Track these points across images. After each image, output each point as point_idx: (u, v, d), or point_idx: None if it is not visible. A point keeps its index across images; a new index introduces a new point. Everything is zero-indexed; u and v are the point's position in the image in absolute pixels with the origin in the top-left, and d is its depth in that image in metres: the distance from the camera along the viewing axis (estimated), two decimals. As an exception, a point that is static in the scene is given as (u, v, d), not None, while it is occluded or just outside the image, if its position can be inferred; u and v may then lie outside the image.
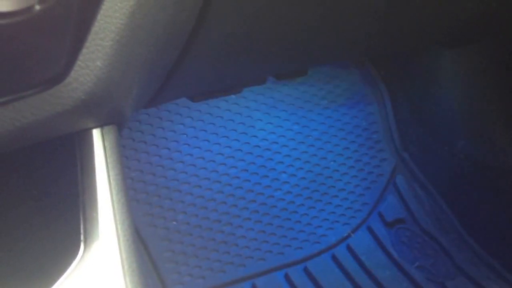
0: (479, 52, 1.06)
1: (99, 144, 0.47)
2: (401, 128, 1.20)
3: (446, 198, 1.14)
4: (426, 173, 1.16)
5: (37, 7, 0.36)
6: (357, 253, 1.05)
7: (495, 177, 1.07)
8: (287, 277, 1.01)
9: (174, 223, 1.00)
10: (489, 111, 1.08)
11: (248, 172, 1.08)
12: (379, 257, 1.06)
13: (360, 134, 1.18)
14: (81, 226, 0.45)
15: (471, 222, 1.11)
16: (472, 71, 1.10)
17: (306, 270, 1.02)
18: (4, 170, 0.50)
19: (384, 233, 1.09)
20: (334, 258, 1.05)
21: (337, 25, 0.68)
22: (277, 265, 1.02)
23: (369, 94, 1.22)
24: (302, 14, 0.62)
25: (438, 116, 1.14)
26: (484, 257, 1.08)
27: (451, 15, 0.77)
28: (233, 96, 1.12)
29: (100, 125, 0.48)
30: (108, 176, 0.47)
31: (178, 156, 1.04)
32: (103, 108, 0.45)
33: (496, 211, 1.07)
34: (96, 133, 0.48)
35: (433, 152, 1.15)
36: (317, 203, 1.09)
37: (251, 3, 0.57)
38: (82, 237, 0.45)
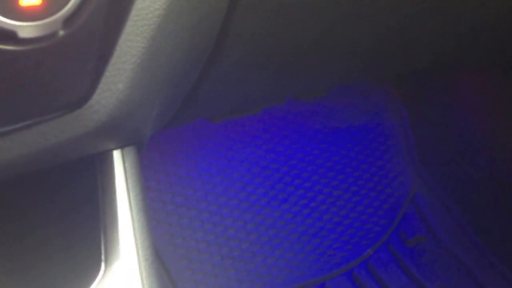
0: (503, 66, 1.06)
1: (120, 165, 0.48)
2: (421, 146, 1.19)
3: (468, 216, 1.12)
4: (446, 191, 1.15)
5: (61, 33, 0.37)
6: (377, 272, 1.05)
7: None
8: (307, 297, 1.01)
9: (193, 242, 1.00)
10: (512, 126, 1.07)
11: (267, 190, 1.08)
12: (399, 275, 1.05)
13: (379, 152, 1.18)
14: (102, 246, 0.46)
15: (493, 239, 1.09)
16: (495, 86, 1.09)
17: (326, 289, 1.02)
18: (25, 191, 0.51)
19: (405, 251, 1.08)
20: (354, 277, 1.04)
21: (356, 45, 0.68)
22: (297, 284, 1.01)
23: (387, 112, 1.22)
24: (322, 35, 0.63)
25: (458, 133, 1.13)
26: (508, 276, 1.06)
27: (473, 33, 0.77)
28: (251, 116, 1.12)
29: (121, 147, 0.48)
30: (129, 196, 0.47)
31: (197, 176, 1.05)
32: (124, 130, 0.46)
33: (520, 229, 1.06)
34: (116, 155, 0.48)
35: (454, 170, 1.14)
36: (337, 221, 1.09)
37: (270, 25, 0.58)
38: (103, 257, 0.45)
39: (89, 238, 0.46)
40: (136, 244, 0.46)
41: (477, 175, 1.10)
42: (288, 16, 0.58)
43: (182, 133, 1.07)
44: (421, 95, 1.20)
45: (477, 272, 1.07)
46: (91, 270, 0.45)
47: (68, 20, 0.37)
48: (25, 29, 0.35)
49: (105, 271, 0.45)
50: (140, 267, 0.46)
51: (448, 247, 1.10)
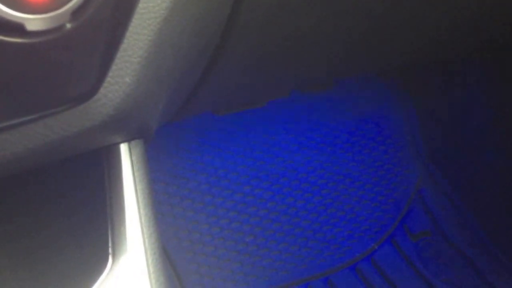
0: (509, 59, 1.05)
1: (127, 158, 0.48)
2: (427, 139, 1.19)
3: (473, 210, 1.12)
4: (452, 185, 1.15)
5: (68, 26, 0.37)
6: (381, 266, 1.04)
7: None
8: (311, 290, 1.01)
9: (198, 235, 1.00)
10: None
11: (272, 183, 1.08)
12: (404, 270, 1.05)
13: (385, 145, 1.17)
14: (110, 240, 0.46)
15: (498, 234, 1.09)
16: (501, 79, 1.09)
17: (330, 283, 1.02)
18: (33, 185, 0.51)
19: (409, 246, 1.08)
20: (358, 271, 1.04)
21: (362, 38, 0.68)
22: (301, 277, 1.02)
23: (394, 104, 1.21)
24: (327, 29, 0.63)
25: (465, 126, 1.13)
26: (512, 270, 1.06)
27: (480, 25, 0.77)
28: (256, 108, 1.12)
29: (128, 140, 0.48)
30: (136, 190, 0.48)
31: (201, 169, 1.05)
32: (131, 123, 0.46)
33: (525, 223, 1.06)
34: (123, 148, 0.48)
35: (460, 163, 1.14)
36: (342, 215, 1.09)
37: (275, 19, 0.57)
38: (110, 251, 0.45)
39: (97, 231, 0.46)
40: (143, 238, 0.46)
41: (483, 170, 1.10)
42: (293, 7, 0.58)
43: (187, 126, 1.07)
44: (428, 89, 1.20)
45: (482, 266, 1.07)
46: (99, 263, 0.45)
47: (75, 13, 0.37)
48: (33, 21, 0.35)
49: (112, 264, 0.45)
50: (147, 261, 0.46)
51: (454, 241, 1.10)
